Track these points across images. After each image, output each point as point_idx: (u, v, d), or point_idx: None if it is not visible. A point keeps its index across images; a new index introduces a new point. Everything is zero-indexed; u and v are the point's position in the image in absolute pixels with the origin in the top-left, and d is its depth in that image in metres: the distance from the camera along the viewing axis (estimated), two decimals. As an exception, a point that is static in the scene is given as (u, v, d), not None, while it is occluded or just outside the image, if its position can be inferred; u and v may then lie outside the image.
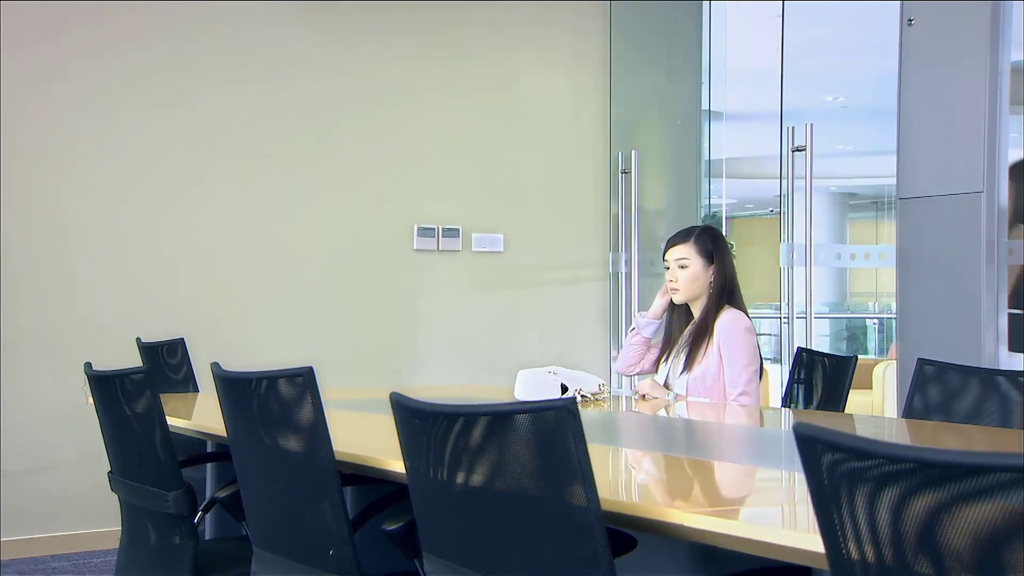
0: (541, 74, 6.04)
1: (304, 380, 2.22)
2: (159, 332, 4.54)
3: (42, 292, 4.94)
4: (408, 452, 1.93)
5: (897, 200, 4.62)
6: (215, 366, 2.41)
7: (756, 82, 7.57)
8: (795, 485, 1.97)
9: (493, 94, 5.91)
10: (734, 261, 3.70)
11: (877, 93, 8.10)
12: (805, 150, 4.95)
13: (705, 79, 6.29)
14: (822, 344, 10.21)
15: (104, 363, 3.55)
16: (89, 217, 5.04)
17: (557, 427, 1.69)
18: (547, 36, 6.04)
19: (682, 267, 3.63)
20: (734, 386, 3.48)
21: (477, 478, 1.79)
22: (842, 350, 11.63)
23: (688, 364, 3.57)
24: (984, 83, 4.32)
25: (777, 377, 6.06)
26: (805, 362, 3.67)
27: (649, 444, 2.67)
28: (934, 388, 2.96)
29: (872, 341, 11.46)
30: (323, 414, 2.24)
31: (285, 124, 5.42)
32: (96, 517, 4.80)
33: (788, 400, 3.70)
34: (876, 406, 6.94)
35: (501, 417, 1.73)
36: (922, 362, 3.02)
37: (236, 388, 2.35)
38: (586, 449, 1.70)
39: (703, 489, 2.10)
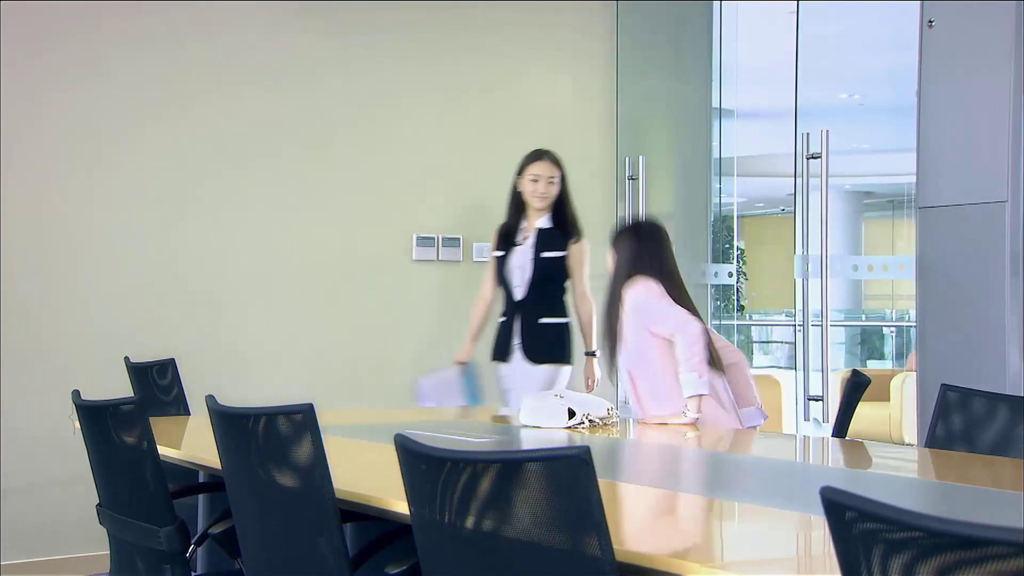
0: (545, 76, 6.03)
1: (304, 417, 2.22)
2: (150, 346, 4.55)
3: (35, 307, 4.93)
4: (413, 497, 1.93)
5: (917, 209, 4.61)
6: (210, 400, 2.40)
7: (769, 79, 7.57)
8: (813, 531, 1.97)
9: (495, 97, 5.90)
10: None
11: (895, 90, 8.10)
12: (820, 157, 4.93)
13: (715, 76, 6.29)
14: (837, 352, 10.20)
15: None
16: (82, 233, 5.02)
17: (570, 476, 1.69)
18: (551, 37, 6.02)
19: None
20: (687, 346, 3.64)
21: (486, 526, 1.79)
22: (857, 355, 11.62)
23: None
24: (1008, 87, 4.30)
25: (792, 387, 6.05)
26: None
27: (662, 480, 2.66)
28: (958, 415, 2.95)
29: (889, 346, 11.44)
30: (323, 451, 2.24)
31: (280, 131, 5.40)
32: (86, 541, 4.79)
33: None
34: (893, 420, 6.94)
35: (512, 465, 1.73)
36: (945, 388, 3.01)
37: (233, 424, 2.34)
38: (600, 499, 1.69)
39: (720, 535, 2.09)
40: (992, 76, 4.33)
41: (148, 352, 4.32)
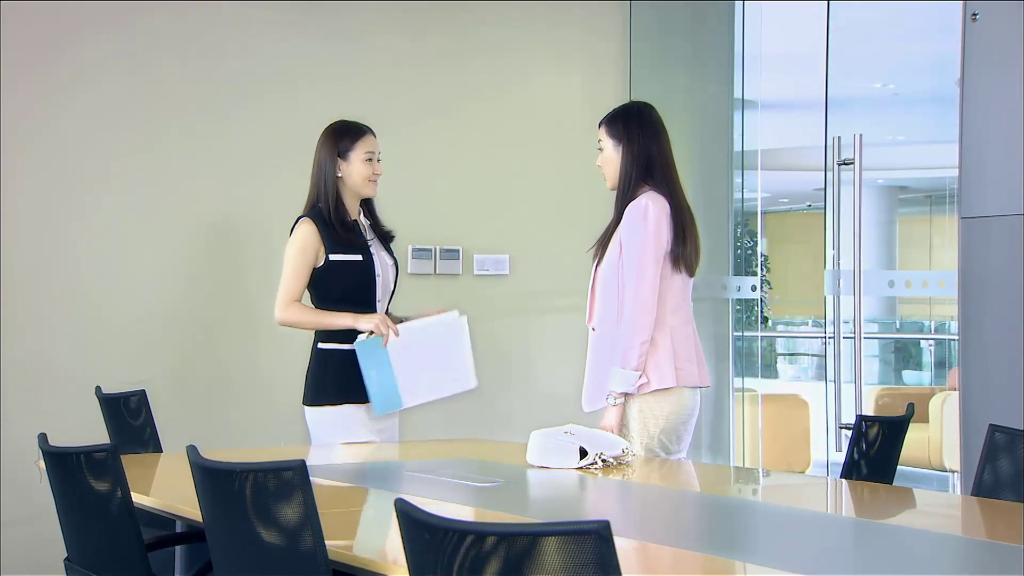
0: (553, 78, 6.03)
1: (295, 474, 2.23)
2: (127, 372, 4.59)
3: (34, 318, 5.01)
4: (415, 568, 1.94)
5: (960, 220, 4.61)
6: (191, 451, 2.41)
7: (796, 68, 7.59)
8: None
9: (499, 100, 5.90)
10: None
11: (932, 79, 8.13)
12: (853, 163, 4.91)
13: (737, 67, 6.30)
14: (870, 365, 10.21)
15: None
16: (81, 244, 5.11)
17: (588, 552, 1.71)
18: (560, 37, 6.03)
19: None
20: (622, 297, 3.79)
21: (495, 604, 1.79)
22: (891, 363, 11.64)
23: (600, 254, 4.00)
24: (1058, 87, 4.31)
25: (822, 402, 6.04)
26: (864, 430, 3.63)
27: (688, 539, 2.65)
28: (1006, 459, 2.96)
29: (927, 357, 11.45)
30: (315, 511, 2.25)
31: (279, 139, 5.41)
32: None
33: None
34: (933, 444, 6.95)
35: (524, 539, 1.74)
36: (993, 428, 3.02)
37: (217, 480, 2.35)
38: (620, 577, 1.71)
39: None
40: (1042, 75, 4.33)
41: (118, 379, 4.35)
